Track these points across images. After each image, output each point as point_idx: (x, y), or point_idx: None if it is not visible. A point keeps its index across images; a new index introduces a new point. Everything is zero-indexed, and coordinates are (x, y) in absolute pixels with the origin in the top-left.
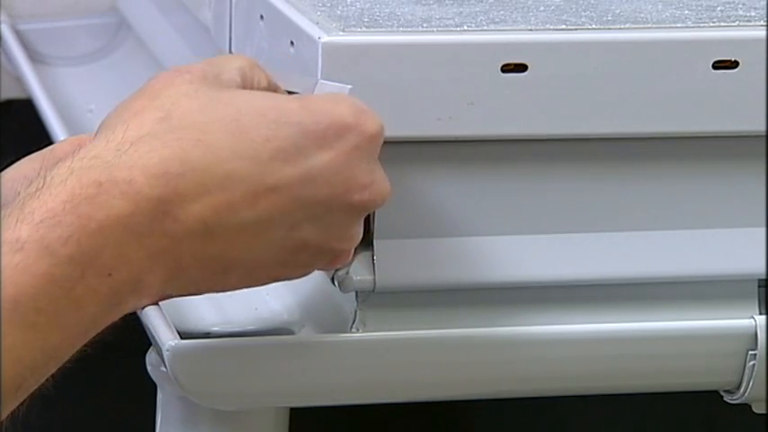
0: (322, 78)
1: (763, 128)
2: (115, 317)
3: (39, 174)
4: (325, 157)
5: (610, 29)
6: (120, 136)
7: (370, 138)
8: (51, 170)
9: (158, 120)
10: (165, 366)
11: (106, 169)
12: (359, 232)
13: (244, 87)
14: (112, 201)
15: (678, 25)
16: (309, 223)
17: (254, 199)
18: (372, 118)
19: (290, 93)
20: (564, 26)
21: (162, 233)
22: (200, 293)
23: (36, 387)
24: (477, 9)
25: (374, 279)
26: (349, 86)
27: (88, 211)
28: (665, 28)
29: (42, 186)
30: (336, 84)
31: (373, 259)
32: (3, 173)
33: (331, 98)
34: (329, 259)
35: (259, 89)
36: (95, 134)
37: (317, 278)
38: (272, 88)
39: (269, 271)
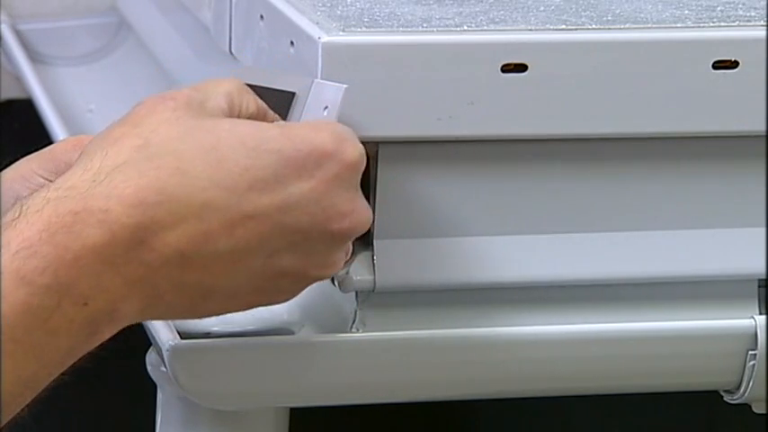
0: (322, 78)
1: (763, 128)
2: (91, 346)
3: (15, 203)
4: (304, 185)
5: (610, 29)
6: (98, 164)
7: (350, 165)
8: (27, 200)
9: (136, 148)
10: (165, 366)
11: (82, 199)
12: (340, 258)
13: (231, 112)
14: (89, 230)
15: (678, 25)
16: (288, 251)
17: (231, 228)
18: (353, 145)
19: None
20: (564, 26)
21: (138, 262)
22: (178, 319)
23: (11, 417)
24: (477, 9)
25: (374, 279)
26: (345, 86)
27: (64, 240)
28: (665, 28)
29: (18, 216)
30: (332, 83)
31: (373, 259)
32: (2, 173)
33: (312, 126)
34: (311, 284)
35: (247, 114)
36: (77, 160)
37: None
38: (261, 112)
39: (248, 298)
